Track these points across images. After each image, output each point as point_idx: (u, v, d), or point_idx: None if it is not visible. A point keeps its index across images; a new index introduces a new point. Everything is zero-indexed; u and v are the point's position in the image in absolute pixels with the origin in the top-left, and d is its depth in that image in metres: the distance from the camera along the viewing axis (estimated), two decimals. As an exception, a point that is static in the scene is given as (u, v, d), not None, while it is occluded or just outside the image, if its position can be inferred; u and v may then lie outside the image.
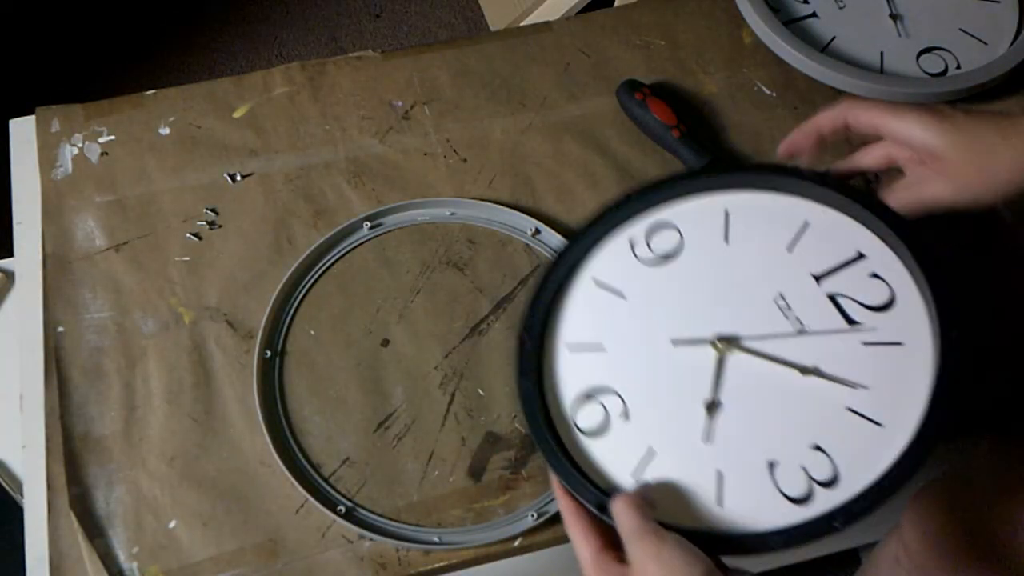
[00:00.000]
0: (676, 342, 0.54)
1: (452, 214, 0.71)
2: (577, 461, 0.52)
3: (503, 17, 1.46)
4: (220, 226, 0.71)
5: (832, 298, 0.53)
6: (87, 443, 0.63)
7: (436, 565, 0.61)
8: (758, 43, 0.80)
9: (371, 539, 0.61)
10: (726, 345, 0.53)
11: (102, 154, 0.73)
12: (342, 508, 0.61)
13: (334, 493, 0.62)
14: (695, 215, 0.58)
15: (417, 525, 0.62)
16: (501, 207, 0.71)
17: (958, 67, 0.79)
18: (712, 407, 0.52)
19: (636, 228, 0.59)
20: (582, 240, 0.58)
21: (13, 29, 1.65)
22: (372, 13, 1.55)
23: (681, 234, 0.58)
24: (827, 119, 0.56)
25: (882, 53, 0.80)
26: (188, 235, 0.70)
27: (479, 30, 1.58)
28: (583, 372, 0.55)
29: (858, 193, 0.54)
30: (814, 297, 0.54)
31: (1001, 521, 0.66)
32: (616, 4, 0.83)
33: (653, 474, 0.51)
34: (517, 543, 0.61)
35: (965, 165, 0.51)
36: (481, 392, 0.66)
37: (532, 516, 0.61)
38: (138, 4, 1.70)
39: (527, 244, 0.71)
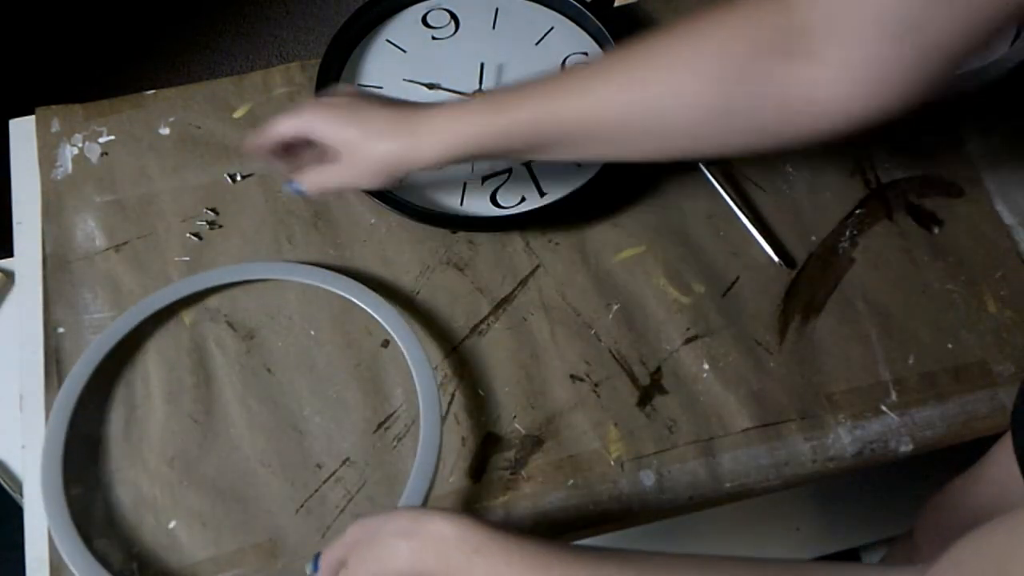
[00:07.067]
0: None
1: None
2: None
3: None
4: (220, 226, 0.71)
5: None
6: (87, 443, 0.63)
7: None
8: (758, 43, 0.80)
9: None
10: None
11: (102, 154, 0.73)
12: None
13: None
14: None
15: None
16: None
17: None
18: None
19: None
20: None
21: (13, 29, 1.65)
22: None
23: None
24: (287, 130, 0.62)
25: (882, 53, 0.80)
26: (188, 235, 0.70)
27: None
28: None
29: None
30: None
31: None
32: (616, 4, 0.82)
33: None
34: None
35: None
36: (481, 392, 0.66)
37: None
38: (138, 4, 1.70)
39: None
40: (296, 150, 0.64)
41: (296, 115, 0.61)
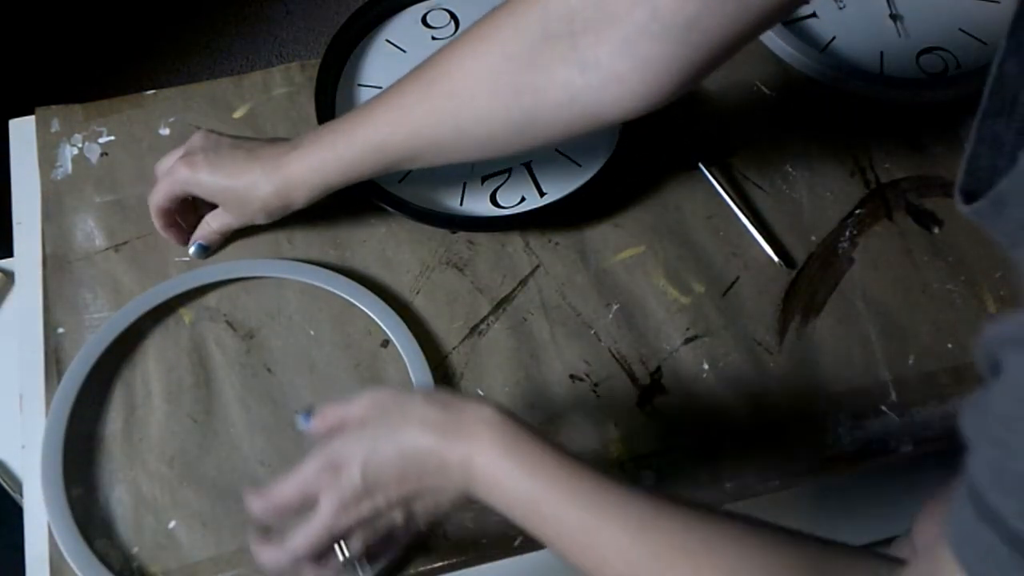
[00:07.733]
0: None
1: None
2: None
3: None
4: (220, 226, 0.71)
5: None
6: (87, 443, 0.63)
7: (436, 564, 0.61)
8: (758, 42, 0.80)
9: None
10: None
11: (102, 154, 0.73)
12: None
13: None
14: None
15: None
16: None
17: (958, 67, 0.79)
18: None
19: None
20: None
21: (13, 29, 1.65)
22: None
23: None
24: (162, 198, 0.65)
25: (882, 53, 0.80)
26: (188, 235, 0.70)
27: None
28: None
29: None
30: None
31: None
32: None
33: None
34: (517, 543, 0.61)
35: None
36: (480, 392, 0.66)
37: None
38: (138, 4, 1.70)
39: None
40: (183, 213, 0.68)
41: (169, 181, 0.64)
